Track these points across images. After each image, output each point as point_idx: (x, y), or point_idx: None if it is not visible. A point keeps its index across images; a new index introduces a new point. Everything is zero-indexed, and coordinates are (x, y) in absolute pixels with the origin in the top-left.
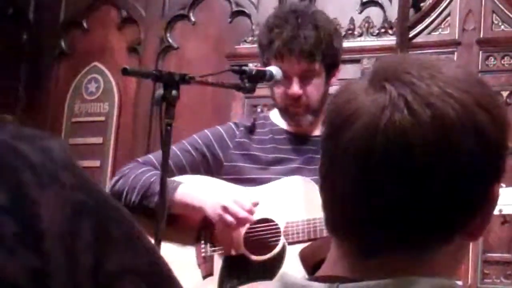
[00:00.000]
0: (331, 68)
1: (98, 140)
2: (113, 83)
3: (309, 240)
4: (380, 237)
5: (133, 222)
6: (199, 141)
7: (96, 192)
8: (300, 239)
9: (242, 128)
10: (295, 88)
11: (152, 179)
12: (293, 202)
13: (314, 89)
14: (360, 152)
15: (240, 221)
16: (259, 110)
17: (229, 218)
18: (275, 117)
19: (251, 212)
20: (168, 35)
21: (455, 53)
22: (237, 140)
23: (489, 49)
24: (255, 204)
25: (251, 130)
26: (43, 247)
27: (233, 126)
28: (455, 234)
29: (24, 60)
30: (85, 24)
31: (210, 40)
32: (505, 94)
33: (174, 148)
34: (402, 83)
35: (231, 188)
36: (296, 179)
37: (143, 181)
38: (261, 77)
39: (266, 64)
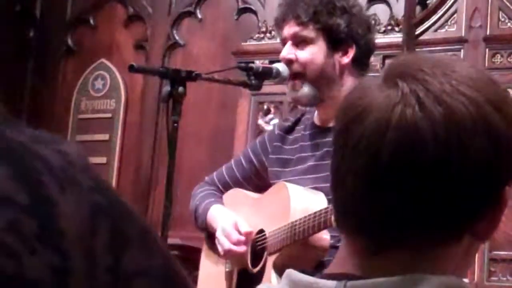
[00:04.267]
0: (335, 41)
1: (105, 137)
2: (120, 80)
3: (279, 250)
4: (389, 235)
5: (147, 224)
6: (249, 150)
7: (111, 194)
8: (273, 249)
9: (278, 131)
10: (284, 52)
11: (198, 202)
12: (272, 211)
13: (308, 56)
14: (370, 148)
15: (225, 252)
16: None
17: (219, 248)
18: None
19: (237, 243)
20: (174, 32)
21: (462, 50)
22: (274, 144)
23: (495, 47)
24: (247, 234)
25: (289, 129)
26: (63, 246)
27: (276, 129)
28: (463, 233)
29: (31, 57)
30: (92, 21)
31: (216, 37)
32: (511, 91)
33: (231, 162)
34: (415, 80)
35: (245, 209)
36: (278, 186)
37: (195, 204)
38: (268, 74)
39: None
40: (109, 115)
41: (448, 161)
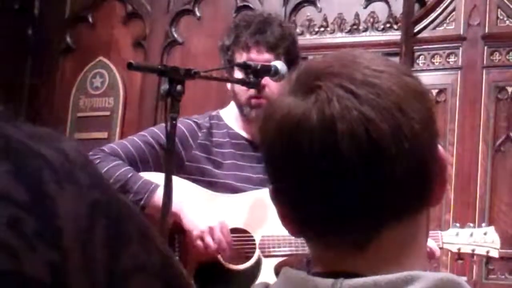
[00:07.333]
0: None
1: (103, 135)
2: (118, 78)
3: (284, 255)
4: (368, 225)
5: (145, 220)
6: (160, 134)
7: (110, 191)
8: (276, 253)
9: (204, 130)
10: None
11: (129, 175)
12: (268, 215)
13: (277, 84)
14: (327, 150)
15: (220, 248)
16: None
17: (210, 242)
18: (229, 118)
19: (230, 243)
20: (173, 29)
21: (460, 48)
22: (199, 141)
23: (494, 44)
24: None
25: (209, 133)
26: (62, 243)
27: (194, 126)
28: (427, 203)
29: (29, 55)
30: (90, 19)
31: (215, 35)
32: (510, 89)
33: (135, 139)
34: (333, 76)
35: (212, 205)
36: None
37: (117, 176)
38: (266, 71)
39: (230, 61)
40: (108, 113)
41: (399, 134)
